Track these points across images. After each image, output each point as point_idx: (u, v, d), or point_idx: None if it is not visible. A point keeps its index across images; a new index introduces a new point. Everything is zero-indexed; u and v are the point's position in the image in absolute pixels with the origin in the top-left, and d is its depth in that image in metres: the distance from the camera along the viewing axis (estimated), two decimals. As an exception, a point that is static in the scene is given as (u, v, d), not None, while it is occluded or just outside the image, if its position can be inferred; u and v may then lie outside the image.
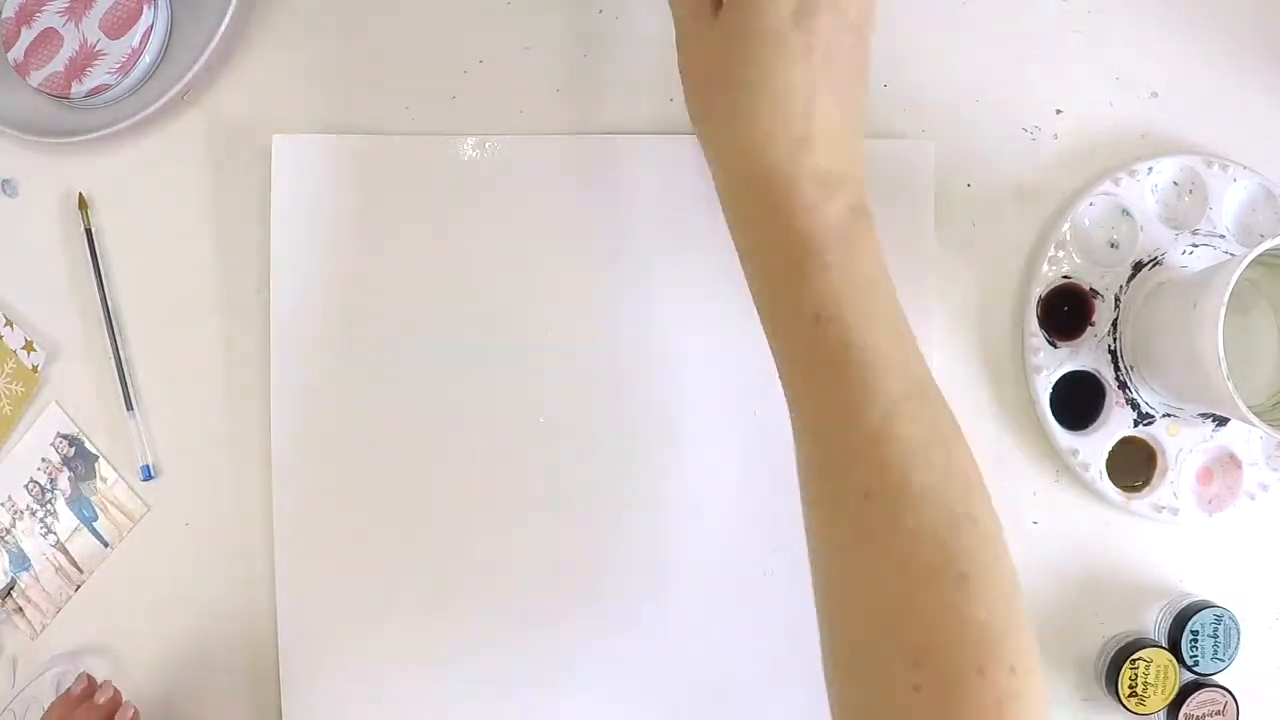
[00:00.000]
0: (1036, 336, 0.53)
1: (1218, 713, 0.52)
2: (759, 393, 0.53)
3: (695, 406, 0.54)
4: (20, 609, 0.57)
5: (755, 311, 0.44)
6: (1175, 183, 0.54)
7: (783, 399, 0.43)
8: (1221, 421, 0.53)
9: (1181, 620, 0.52)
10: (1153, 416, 0.53)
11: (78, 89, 0.54)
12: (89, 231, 0.56)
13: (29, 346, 0.56)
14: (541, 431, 0.54)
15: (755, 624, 0.54)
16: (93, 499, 0.57)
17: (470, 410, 0.54)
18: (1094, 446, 0.53)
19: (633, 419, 0.54)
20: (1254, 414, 0.44)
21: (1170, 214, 0.54)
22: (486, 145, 0.54)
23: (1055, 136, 0.55)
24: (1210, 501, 0.54)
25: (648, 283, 0.54)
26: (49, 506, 0.57)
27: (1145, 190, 0.54)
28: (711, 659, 0.54)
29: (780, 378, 0.43)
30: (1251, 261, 0.44)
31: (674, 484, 0.54)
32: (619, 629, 0.54)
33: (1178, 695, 0.52)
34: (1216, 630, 0.52)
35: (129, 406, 0.56)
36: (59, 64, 0.54)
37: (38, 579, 0.57)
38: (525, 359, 0.54)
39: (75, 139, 0.55)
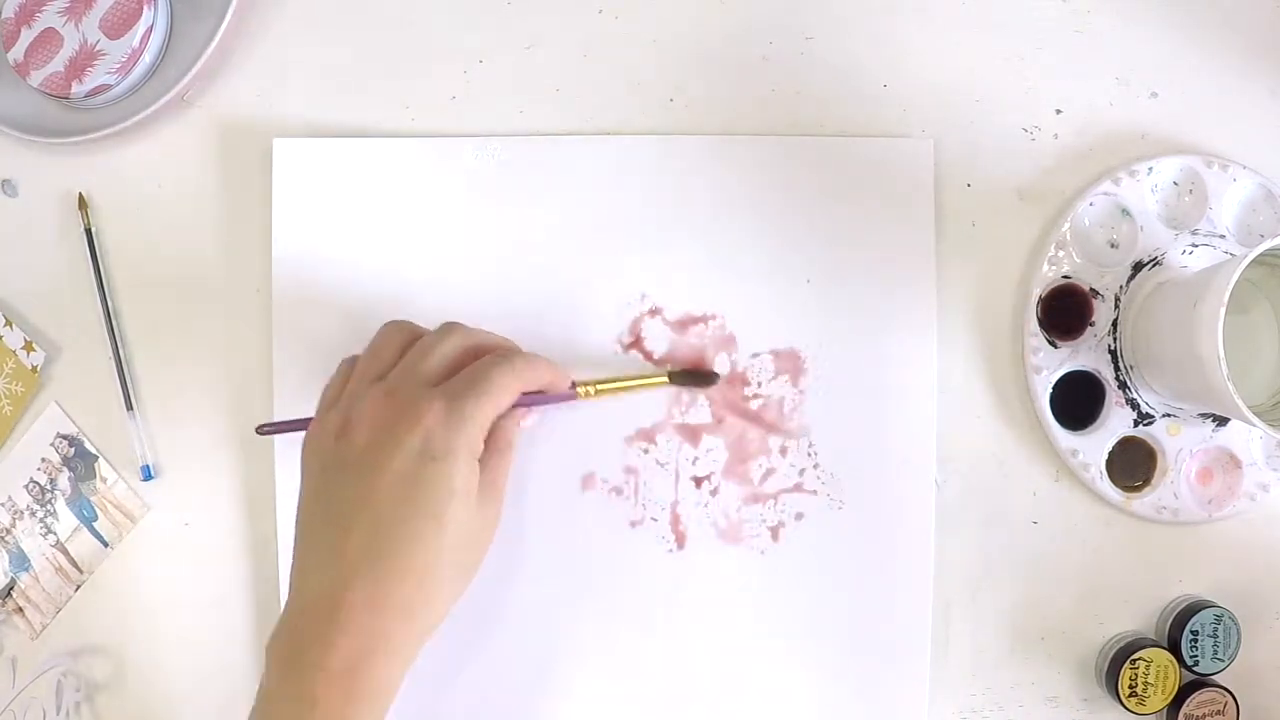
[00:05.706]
0: (1036, 336, 0.53)
1: (1218, 713, 0.52)
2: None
3: (695, 406, 0.54)
4: (20, 609, 0.57)
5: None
6: (1175, 183, 0.54)
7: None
8: (1221, 421, 0.53)
9: (1181, 620, 0.52)
10: (1153, 416, 0.53)
11: (78, 89, 0.54)
12: (89, 231, 0.56)
13: (29, 346, 0.56)
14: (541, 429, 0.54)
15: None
16: (93, 499, 0.57)
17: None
18: (1094, 446, 0.53)
19: (631, 419, 0.54)
20: (1254, 414, 0.44)
21: (1170, 214, 0.54)
22: (487, 146, 0.54)
23: (1055, 136, 0.55)
24: (1210, 501, 0.54)
25: (648, 284, 0.54)
26: (49, 506, 0.57)
27: (1145, 190, 0.54)
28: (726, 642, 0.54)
29: None
30: (1251, 261, 0.44)
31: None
32: (631, 639, 0.54)
33: (1178, 695, 0.52)
34: (1216, 630, 0.52)
35: (129, 406, 0.56)
36: (59, 64, 0.54)
37: (38, 579, 0.57)
38: (525, 359, 0.54)
39: (75, 139, 0.55)
